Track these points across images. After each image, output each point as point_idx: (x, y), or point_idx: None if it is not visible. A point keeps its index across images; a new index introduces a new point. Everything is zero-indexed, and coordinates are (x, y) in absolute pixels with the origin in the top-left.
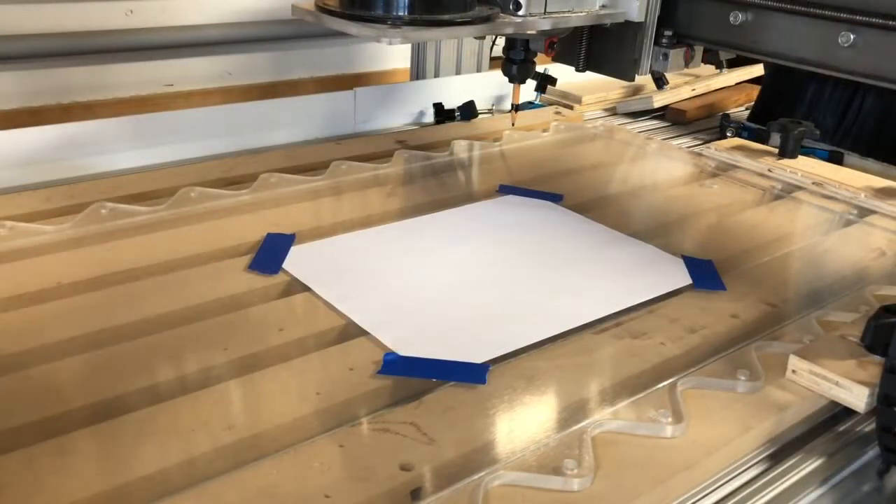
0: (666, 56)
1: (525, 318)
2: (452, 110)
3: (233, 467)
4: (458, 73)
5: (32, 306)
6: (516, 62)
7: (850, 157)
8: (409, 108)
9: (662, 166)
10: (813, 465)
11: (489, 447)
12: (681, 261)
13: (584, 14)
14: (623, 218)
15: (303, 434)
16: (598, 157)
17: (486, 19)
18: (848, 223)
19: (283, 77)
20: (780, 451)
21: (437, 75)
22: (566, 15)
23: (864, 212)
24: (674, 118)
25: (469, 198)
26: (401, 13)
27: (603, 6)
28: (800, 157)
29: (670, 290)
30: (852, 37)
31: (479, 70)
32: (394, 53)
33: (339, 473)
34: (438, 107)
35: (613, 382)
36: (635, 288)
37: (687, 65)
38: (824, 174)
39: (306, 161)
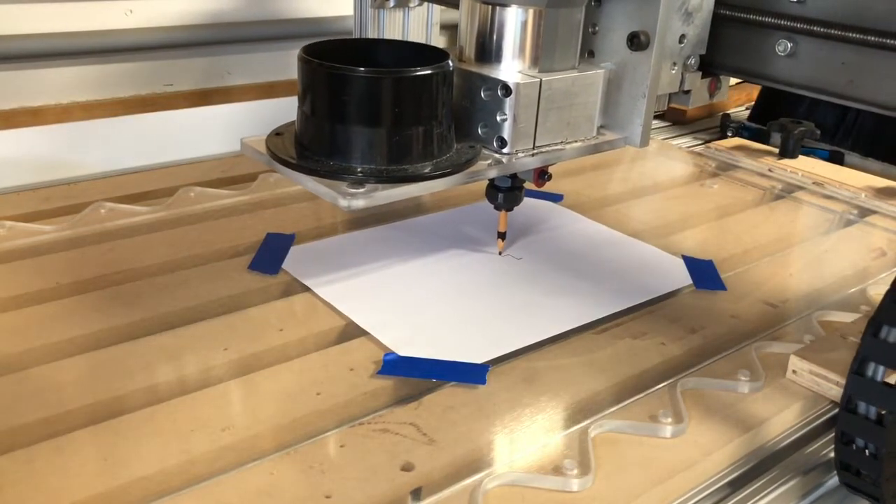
0: (687, 91)
1: (525, 318)
2: None
3: (232, 467)
4: None
5: (32, 306)
6: (502, 190)
7: (851, 157)
8: None
9: (662, 166)
10: (813, 465)
11: (489, 447)
12: (681, 261)
13: (578, 145)
14: (623, 218)
15: (303, 434)
16: (597, 156)
17: (465, 165)
18: (848, 223)
19: (282, 77)
20: (780, 452)
21: None
22: (558, 149)
23: (865, 212)
24: (674, 118)
25: (469, 198)
26: (368, 164)
27: (601, 127)
28: (800, 156)
29: (670, 290)
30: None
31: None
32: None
33: (339, 473)
34: None
35: (613, 382)
36: (635, 288)
37: (712, 97)
38: (824, 174)
39: None
